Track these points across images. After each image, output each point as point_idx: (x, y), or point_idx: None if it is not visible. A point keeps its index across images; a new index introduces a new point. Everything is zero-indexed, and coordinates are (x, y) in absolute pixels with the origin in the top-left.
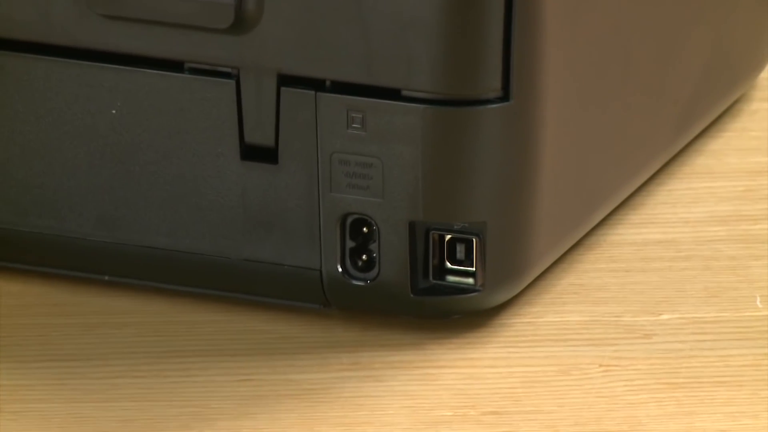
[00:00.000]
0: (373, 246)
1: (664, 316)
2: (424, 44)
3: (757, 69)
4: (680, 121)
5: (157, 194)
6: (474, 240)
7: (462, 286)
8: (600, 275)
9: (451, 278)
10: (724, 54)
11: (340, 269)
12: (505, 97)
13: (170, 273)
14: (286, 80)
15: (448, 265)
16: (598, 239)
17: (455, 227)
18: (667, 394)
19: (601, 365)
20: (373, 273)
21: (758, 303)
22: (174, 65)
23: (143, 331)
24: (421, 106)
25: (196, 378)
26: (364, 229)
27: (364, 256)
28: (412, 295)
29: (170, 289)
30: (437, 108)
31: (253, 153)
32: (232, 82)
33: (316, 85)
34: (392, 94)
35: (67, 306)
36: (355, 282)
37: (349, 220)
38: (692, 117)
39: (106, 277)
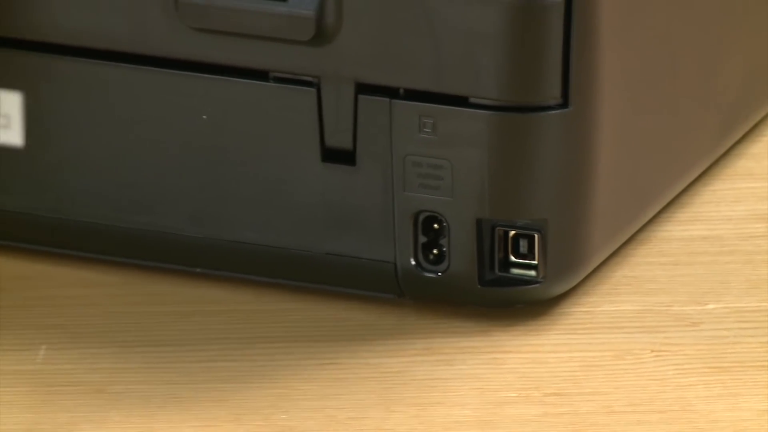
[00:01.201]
0: (444, 241)
1: (710, 306)
2: (490, 55)
3: None
4: (723, 126)
5: (244, 193)
6: (536, 235)
7: (525, 277)
8: (651, 268)
9: (514, 271)
10: (763, 63)
11: (413, 262)
12: (564, 104)
13: (257, 265)
14: (363, 88)
15: (512, 258)
16: (649, 235)
17: (519, 224)
18: (714, 377)
19: (652, 351)
20: (444, 265)
21: None
22: (259, 74)
23: (233, 319)
24: (487, 113)
25: (282, 361)
26: (435, 225)
27: (435, 250)
28: (479, 286)
29: (257, 281)
30: (502, 114)
31: (332, 155)
32: (313, 91)
33: (391, 93)
34: (460, 101)
35: (163, 296)
36: (427, 274)
37: (422, 217)
38: (734, 122)
39: (198, 270)
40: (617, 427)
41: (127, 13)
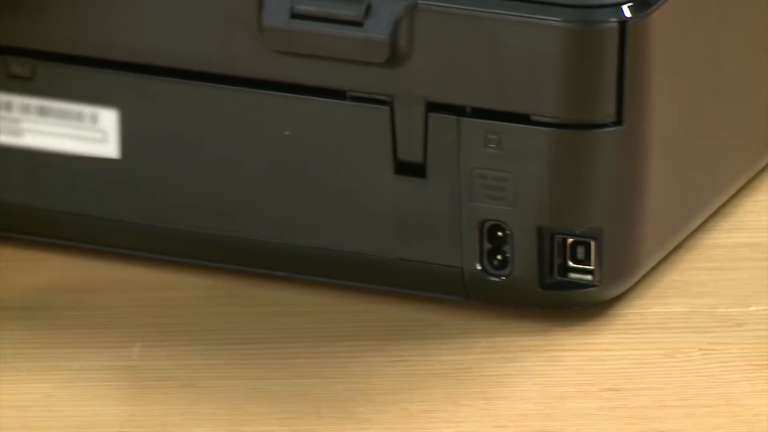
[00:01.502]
0: (507, 247)
1: (753, 308)
2: (551, 76)
3: None
4: (763, 141)
5: (323, 203)
6: (592, 243)
7: (582, 281)
8: (698, 273)
9: (572, 275)
10: None
11: (478, 267)
12: (618, 121)
13: (335, 269)
14: (432, 107)
15: (570, 264)
16: (696, 242)
17: (576, 232)
18: (757, 374)
19: (700, 349)
20: (507, 270)
21: None
22: (337, 94)
23: (313, 319)
24: (548, 129)
25: (359, 358)
26: (499, 233)
27: (499, 256)
28: (539, 289)
29: (335, 284)
30: (561, 131)
31: (404, 168)
32: (387, 109)
33: (458, 111)
34: (523, 118)
35: (248, 298)
36: (491, 278)
37: (486, 225)
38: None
39: (280, 273)
40: (667, 420)
41: (216, 37)
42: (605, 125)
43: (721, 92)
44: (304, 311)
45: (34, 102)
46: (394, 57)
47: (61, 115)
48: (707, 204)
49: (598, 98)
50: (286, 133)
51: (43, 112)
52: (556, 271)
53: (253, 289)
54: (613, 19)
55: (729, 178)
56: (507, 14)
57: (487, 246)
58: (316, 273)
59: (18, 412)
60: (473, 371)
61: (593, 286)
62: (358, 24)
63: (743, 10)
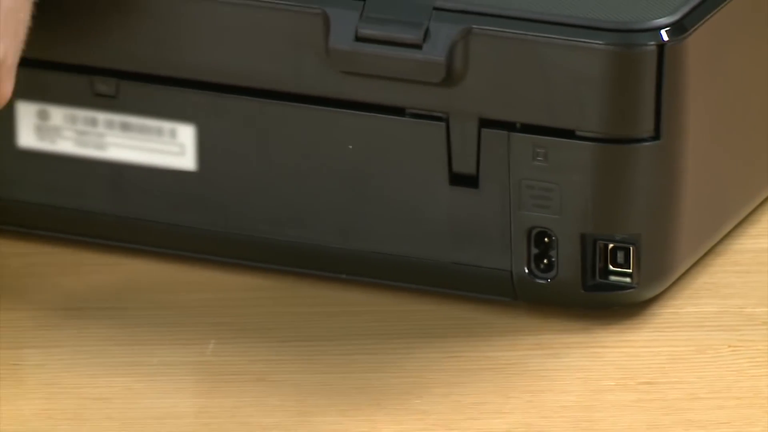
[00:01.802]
0: (552, 252)
1: None
2: (594, 95)
3: None
4: None
5: (383, 211)
6: (631, 248)
7: (621, 284)
8: (727, 275)
9: (612, 278)
10: None
11: (526, 270)
12: (656, 136)
13: (393, 272)
14: (485, 123)
15: (611, 267)
16: (725, 247)
17: (616, 238)
18: None
19: (729, 346)
20: (552, 273)
21: None
22: (397, 111)
23: (373, 318)
24: (591, 144)
25: (415, 354)
26: (545, 239)
27: (545, 260)
28: (582, 291)
29: (393, 285)
30: (603, 145)
31: (458, 179)
32: (442, 125)
33: (509, 126)
34: (568, 134)
35: (314, 298)
36: (538, 280)
37: (534, 232)
38: None
39: (343, 276)
40: (700, 411)
41: (286, 58)
42: (644, 140)
43: (751, 109)
44: (364, 311)
45: (118, 118)
46: (450, 77)
47: (142, 130)
48: (736, 212)
49: (638, 115)
50: (350, 146)
51: (125, 127)
52: (597, 274)
53: (317, 291)
54: (652, 43)
55: (755, 188)
56: (554, 38)
57: (534, 251)
58: (376, 276)
59: (101, 404)
60: (520, 366)
61: (631, 287)
62: (417, 47)
63: None
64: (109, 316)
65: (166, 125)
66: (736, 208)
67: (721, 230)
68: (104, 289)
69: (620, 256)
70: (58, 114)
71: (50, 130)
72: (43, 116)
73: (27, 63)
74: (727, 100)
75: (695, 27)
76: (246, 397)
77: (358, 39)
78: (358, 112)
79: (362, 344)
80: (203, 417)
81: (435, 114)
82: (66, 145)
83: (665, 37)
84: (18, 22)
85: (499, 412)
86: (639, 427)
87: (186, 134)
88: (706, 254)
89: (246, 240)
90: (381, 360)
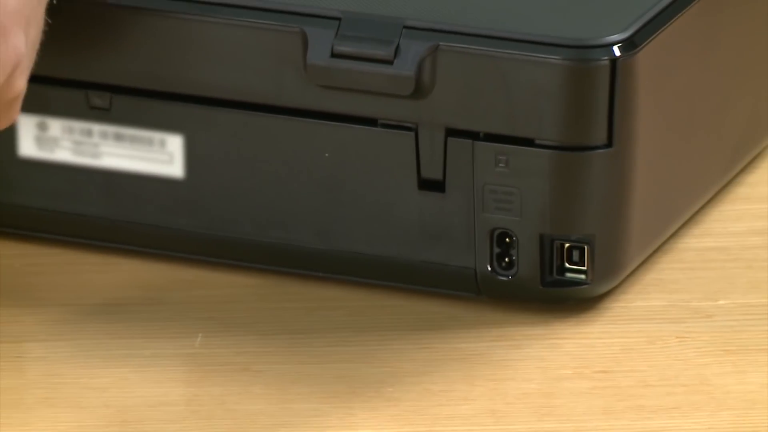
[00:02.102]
0: (513, 251)
1: (721, 302)
2: (551, 106)
3: None
4: (729, 160)
5: (357, 214)
6: (585, 247)
7: (577, 280)
8: (673, 272)
9: (569, 275)
10: (760, 110)
11: (489, 268)
12: (609, 144)
13: (367, 270)
14: (451, 132)
15: (567, 265)
16: (671, 246)
17: (572, 238)
18: (725, 358)
19: (677, 337)
20: (513, 270)
21: None
22: (370, 121)
23: (349, 312)
24: (549, 151)
25: (388, 346)
26: (507, 239)
27: (506, 259)
28: (541, 287)
29: (367, 282)
30: (560, 153)
31: (426, 185)
32: (412, 134)
33: (473, 135)
34: (528, 142)
35: (294, 294)
36: (500, 277)
37: (496, 232)
38: (737, 156)
39: (321, 273)
40: (651, 397)
41: (267, 73)
42: (597, 147)
43: (695, 118)
44: (340, 306)
45: (111, 129)
46: (419, 90)
47: (134, 140)
48: (681, 213)
49: (592, 125)
50: (327, 154)
51: (118, 138)
52: (554, 271)
53: (297, 288)
54: (605, 58)
55: (700, 192)
56: (515, 53)
57: (497, 250)
58: (351, 273)
59: (98, 392)
60: (484, 356)
61: (586, 284)
62: (388, 62)
63: (717, 46)
64: (104, 312)
65: (156, 136)
66: (681, 210)
67: (668, 230)
68: (100, 287)
69: (576, 254)
70: (56, 125)
71: (49, 141)
72: (42, 128)
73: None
74: (675, 111)
75: (645, 43)
76: (232, 386)
77: (334, 55)
78: (334, 123)
79: (339, 337)
80: (193, 405)
81: (405, 124)
82: (63, 154)
83: (617, 53)
84: (35, 49)
85: (466, 399)
86: (595, 413)
87: (174, 144)
88: (654, 252)
89: (231, 241)
90: (356, 351)
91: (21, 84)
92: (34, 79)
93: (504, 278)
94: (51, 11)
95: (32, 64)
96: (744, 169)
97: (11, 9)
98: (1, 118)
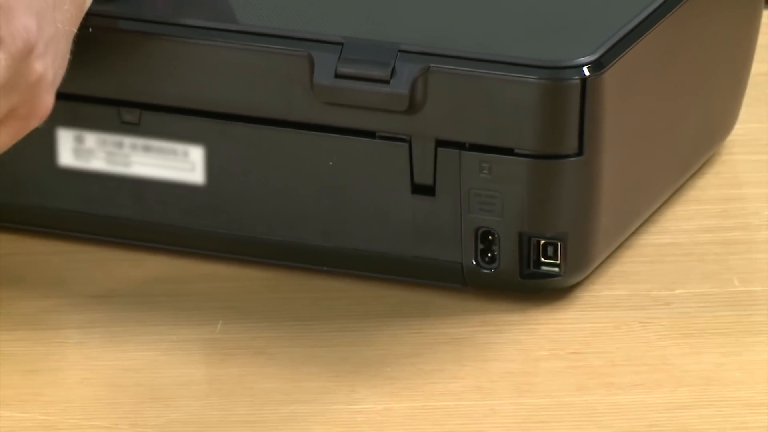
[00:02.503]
0: (495, 247)
1: (677, 291)
2: (528, 120)
3: (727, 133)
4: (681, 167)
5: (357, 215)
6: (559, 244)
7: (551, 272)
8: (634, 265)
9: (544, 268)
10: (709, 122)
11: (474, 262)
12: (579, 153)
13: (367, 265)
14: (440, 143)
15: (542, 259)
16: (633, 242)
17: (547, 235)
18: (683, 341)
19: (640, 323)
20: (495, 264)
21: (736, 282)
22: (368, 134)
23: (351, 302)
24: (526, 159)
25: (385, 331)
26: (490, 237)
27: (489, 254)
28: (519, 279)
29: (367, 275)
30: (536, 161)
31: (419, 189)
32: (406, 145)
33: (460, 146)
34: (508, 151)
35: (301, 286)
36: (483, 270)
37: (480, 231)
38: (689, 164)
39: (325, 268)
40: (618, 375)
41: (278, 91)
42: (569, 156)
43: (654, 130)
44: (343, 296)
45: (140, 141)
46: (412, 106)
47: (160, 151)
48: (642, 213)
49: (564, 136)
50: (330, 163)
51: (146, 149)
52: (531, 264)
53: (305, 280)
54: (576, 77)
55: (657, 194)
56: (496, 74)
57: (480, 246)
58: (352, 267)
59: (132, 373)
60: (470, 340)
61: (559, 276)
62: (385, 82)
63: (672, 67)
64: (135, 302)
65: (180, 147)
66: (642, 210)
67: (630, 228)
68: (131, 280)
69: (550, 250)
70: (91, 138)
71: (85, 152)
72: (79, 140)
73: (66, 97)
74: (636, 123)
75: (611, 64)
76: (249, 367)
77: (338, 76)
78: (337, 135)
79: (342, 323)
80: (215, 383)
81: (399, 136)
82: (98, 163)
83: (586, 73)
84: (58, 49)
85: (455, 377)
86: (569, 389)
87: (196, 154)
88: (618, 248)
89: (245, 239)
90: (358, 336)
91: (39, 67)
92: (72, 97)
93: (487, 271)
94: (87, 39)
95: (59, 66)
96: (694, 175)
97: (33, 6)
98: (31, 107)
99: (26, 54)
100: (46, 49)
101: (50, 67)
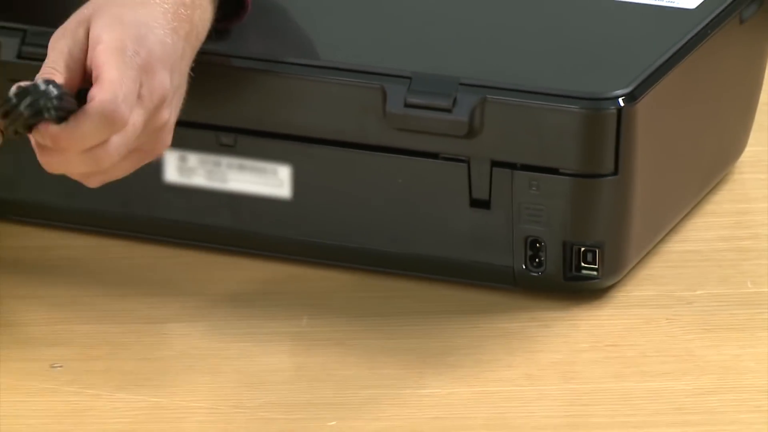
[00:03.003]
0: (542, 254)
1: (698, 292)
2: (572, 144)
3: (738, 155)
4: (700, 184)
5: (424, 225)
6: (597, 251)
7: (590, 276)
8: (661, 269)
9: (584, 271)
10: (723, 146)
11: (523, 266)
12: (615, 172)
13: (431, 268)
14: (495, 164)
15: (583, 264)
16: (659, 250)
17: (587, 243)
18: (704, 335)
19: (666, 319)
20: (542, 268)
21: (749, 284)
22: (433, 155)
23: (415, 301)
24: (570, 178)
25: (447, 325)
26: (537, 244)
27: (537, 259)
28: (563, 281)
29: (431, 278)
30: (578, 179)
31: (476, 203)
32: (465, 165)
33: (512, 166)
34: (554, 171)
35: (375, 286)
36: (532, 273)
37: (529, 239)
38: (706, 182)
39: (395, 270)
40: (649, 365)
41: (355, 118)
42: (606, 175)
43: (678, 152)
44: (411, 295)
45: (236, 161)
46: (471, 132)
47: (253, 169)
48: (668, 224)
49: (602, 158)
50: (399, 180)
51: (241, 167)
52: (573, 268)
53: (378, 281)
54: (612, 108)
55: (680, 208)
56: (544, 104)
57: (529, 253)
58: (418, 270)
59: (230, 361)
60: (521, 334)
61: (597, 278)
62: (448, 111)
63: (694, 97)
64: (231, 300)
65: (270, 166)
66: (667, 221)
67: (658, 237)
68: (227, 281)
69: (589, 256)
70: (193, 158)
71: (187, 170)
72: (182, 160)
73: None
74: (663, 147)
75: (642, 96)
76: (331, 356)
77: (407, 105)
78: (405, 156)
79: (410, 319)
80: (302, 371)
81: (459, 158)
82: (199, 180)
83: (621, 104)
84: (181, 94)
85: (508, 366)
86: (607, 376)
87: (284, 173)
88: (647, 254)
89: (327, 246)
90: (423, 330)
91: (166, 115)
92: (177, 123)
93: (535, 274)
94: (192, 72)
95: (179, 106)
96: (710, 191)
97: (158, 54)
98: (154, 145)
99: (160, 106)
100: (173, 97)
101: (174, 112)
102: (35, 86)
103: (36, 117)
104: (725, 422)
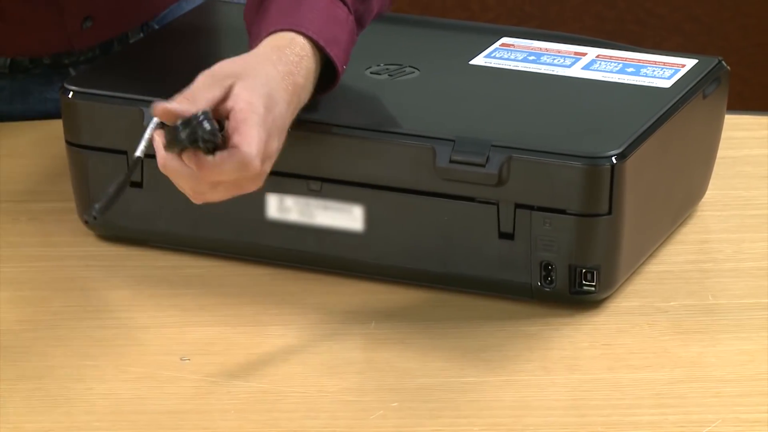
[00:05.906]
0: (553, 274)
1: (672, 303)
2: (576, 191)
3: (701, 197)
4: (672, 220)
5: (463, 252)
6: (595, 272)
7: (590, 291)
8: (642, 285)
9: (585, 287)
10: (690, 190)
11: (539, 283)
12: (609, 212)
13: (469, 285)
14: (518, 206)
15: (584, 282)
16: (642, 270)
17: (588, 266)
18: (677, 336)
19: (648, 324)
20: (554, 285)
21: (710, 298)
22: (470, 199)
23: (459, 309)
24: (574, 217)
25: (482, 329)
26: (549, 267)
27: (549, 278)
28: (569, 294)
29: (469, 292)
30: (580, 218)
31: (503, 235)
32: (495, 207)
33: (530, 207)
34: (562, 211)
35: (426, 300)
36: (546, 289)
37: (543, 263)
38: (676, 217)
39: (441, 286)
40: (636, 359)
41: (411, 170)
42: (602, 215)
43: (657, 195)
44: (452, 305)
45: (321, 203)
46: (500, 182)
47: (335, 209)
48: (648, 251)
49: (599, 202)
50: (445, 218)
51: (325, 207)
52: (577, 285)
53: (428, 294)
54: (608, 164)
55: (658, 238)
56: (554, 161)
57: (543, 273)
58: (459, 285)
59: (315, 355)
60: (537, 335)
61: (595, 293)
62: (482, 166)
63: (670, 154)
64: (318, 308)
65: (346, 206)
66: (648, 248)
67: (641, 260)
68: (314, 293)
69: (589, 276)
70: (289, 200)
71: (285, 209)
72: (281, 201)
73: (273, 173)
74: (646, 192)
75: (630, 155)
76: (393, 352)
77: (451, 161)
78: (450, 200)
79: (452, 323)
80: (371, 363)
81: (491, 201)
82: (293, 216)
83: (615, 161)
84: (283, 130)
85: (528, 360)
86: (602, 369)
87: (358, 212)
88: (632, 274)
89: (389, 267)
90: (463, 332)
91: (267, 168)
92: (277, 173)
93: (548, 289)
94: (289, 131)
95: (275, 159)
96: (680, 225)
97: (279, 124)
98: (251, 186)
99: (266, 161)
100: (275, 154)
101: (271, 164)
102: (196, 118)
103: (192, 145)
104: (693, 405)
